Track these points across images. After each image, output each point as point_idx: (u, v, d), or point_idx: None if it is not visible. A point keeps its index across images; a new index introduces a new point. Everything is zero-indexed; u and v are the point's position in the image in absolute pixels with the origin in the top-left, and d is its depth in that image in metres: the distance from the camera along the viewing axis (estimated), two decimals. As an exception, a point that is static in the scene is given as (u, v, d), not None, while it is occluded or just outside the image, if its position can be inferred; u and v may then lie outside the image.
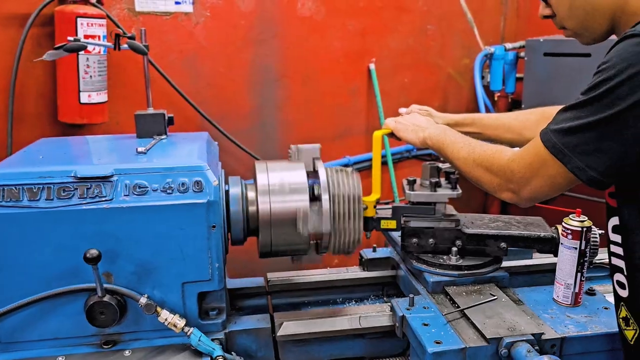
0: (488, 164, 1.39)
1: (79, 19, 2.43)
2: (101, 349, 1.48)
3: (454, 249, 1.69)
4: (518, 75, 3.82)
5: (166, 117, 1.75)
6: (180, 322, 1.45)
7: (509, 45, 3.80)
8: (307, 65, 3.38)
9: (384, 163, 3.63)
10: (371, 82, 3.55)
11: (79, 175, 1.40)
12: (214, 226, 1.45)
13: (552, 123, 1.22)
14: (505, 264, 1.76)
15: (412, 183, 1.75)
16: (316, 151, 1.70)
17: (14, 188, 1.36)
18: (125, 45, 1.73)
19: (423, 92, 3.75)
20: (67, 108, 2.57)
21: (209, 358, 1.46)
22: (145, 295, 1.44)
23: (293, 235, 1.56)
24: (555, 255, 1.67)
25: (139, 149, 1.56)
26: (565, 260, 1.60)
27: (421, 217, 1.73)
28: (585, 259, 1.58)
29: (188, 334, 1.46)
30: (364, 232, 1.74)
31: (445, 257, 1.71)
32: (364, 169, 3.44)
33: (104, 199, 1.40)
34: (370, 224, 1.73)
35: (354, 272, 1.96)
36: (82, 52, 2.13)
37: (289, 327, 1.60)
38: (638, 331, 1.27)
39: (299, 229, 1.55)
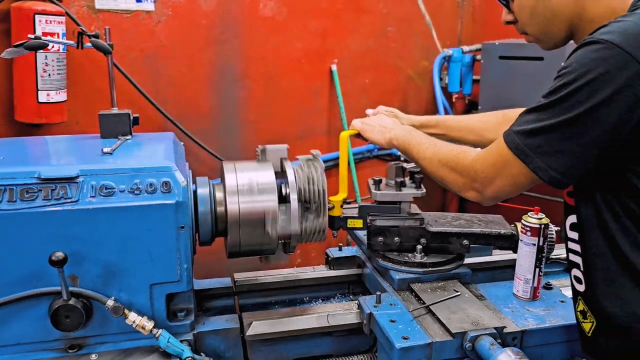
0: (453, 164, 1.44)
1: (37, 16, 2.36)
2: (66, 354, 1.45)
3: (419, 246, 1.73)
4: (475, 77, 3.93)
5: (131, 117, 1.72)
6: (149, 324, 1.44)
7: (466, 48, 3.91)
8: (269, 66, 3.38)
9: (346, 163, 3.66)
10: (332, 82, 3.59)
11: (42, 176, 1.37)
12: (182, 227, 1.44)
13: (514, 125, 1.27)
14: (467, 260, 1.82)
15: (377, 183, 1.78)
16: (283, 151, 1.71)
17: (-26, 190, 1.32)
18: (89, 44, 1.70)
19: (383, 93, 3.81)
20: (25, 107, 2.50)
21: (178, 359, 1.45)
22: (112, 298, 1.42)
23: (262, 235, 1.57)
24: (515, 251, 1.73)
25: (105, 150, 1.54)
26: (525, 256, 1.66)
27: (387, 216, 1.77)
28: (543, 254, 1.65)
29: (157, 335, 1.45)
30: (331, 231, 1.77)
31: (410, 254, 1.75)
32: (327, 169, 3.46)
33: (69, 200, 1.37)
34: (337, 223, 1.76)
35: (321, 271, 1.98)
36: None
37: (258, 326, 1.61)
38: (595, 323, 1.33)
39: (267, 230, 1.56)
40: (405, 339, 1.42)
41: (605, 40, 1.12)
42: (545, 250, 1.65)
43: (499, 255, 1.99)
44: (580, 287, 1.37)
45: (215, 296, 1.86)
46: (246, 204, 1.55)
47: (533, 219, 1.64)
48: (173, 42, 3.05)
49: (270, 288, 1.90)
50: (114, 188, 1.40)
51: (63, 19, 2.50)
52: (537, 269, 1.64)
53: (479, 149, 1.48)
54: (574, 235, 1.37)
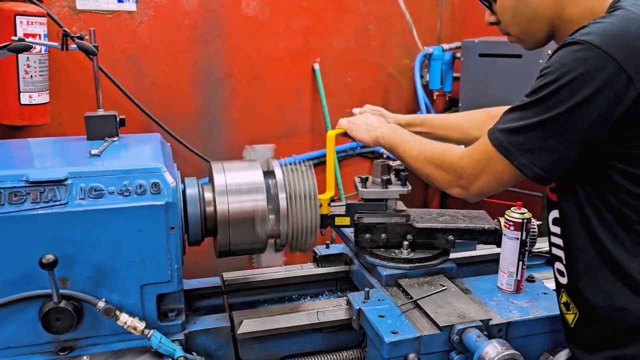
0: (439, 161, 1.47)
1: (18, 17, 2.34)
2: (57, 356, 1.44)
3: (405, 243, 1.76)
4: (455, 74, 3.98)
5: (118, 119, 1.72)
6: (140, 325, 1.45)
7: (446, 46, 3.95)
8: (252, 65, 3.39)
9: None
10: (315, 81, 3.61)
11: (31, 179, 1.36)
12: (172, 227, 1.45)
13: (498, 123, 1.30)
14: (452, 255, 1.85)
15: (364, 181, 1.81)
16: (270, 151, 1.73)
17: (-40, 194, 1.31)
18: (73, 46, 1.69)
19: (365, 91, 3.84)
20: (7, 109, 2.47)
21: (170, 359, 1.46)
22: (103, 299, 1.42)
23: (251, 234, 1.58)
24: (498, 246, 1.77)
25: (93, 152, 1.54)
26: (508, 250, 1.70)
27: (374, 213, 1.79)
28: (526, 248, 1.69)
29: (148, 336, 1.45)
30: (319, 229, 1.79)
31: (397, 251, 1.78)
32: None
33: (58, 203, 1.37)
34: (325, 221, 1.78)
35: (309, 269, 2.00)
36: (23, 51, 2.05)
37: (249, 324, 1.62)
38: (577, 315, 1.38)
39: (257, 229, 1.57)
40: (394, 333, 1.45)
41: (585, 42, 1.15)
42: (528, 244, 1.69)
43: (483, 250, 2.04)
44: (563, 280, 1.41)
45: (205, 296, 1.87)
46: (235, 203, 1.56)
47: (516, 213, 1.68)
48: (156, 42, 3.04)
49: (259, 287, 1.91)
50: (103, 190, 1.41)
51: (45, 19, 2.47)
52: (521, 262, 1.68)
53: (462, 146, 1.52)
54: (556, 229, 1.41)
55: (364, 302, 1.61)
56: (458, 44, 3.88)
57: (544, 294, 1.70)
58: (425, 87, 4.02)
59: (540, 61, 3.17)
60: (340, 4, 3.63)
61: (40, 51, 2.46)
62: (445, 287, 1.67)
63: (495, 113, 1.59)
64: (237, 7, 3.26)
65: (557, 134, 1.20)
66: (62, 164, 1.55)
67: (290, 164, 1.68)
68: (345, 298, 1.72)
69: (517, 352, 1.36)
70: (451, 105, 4.13)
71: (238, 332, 1.61)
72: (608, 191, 1.24)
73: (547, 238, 1.49)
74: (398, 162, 1.79)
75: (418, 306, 1.58)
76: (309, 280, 1.97)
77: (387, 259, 1.76)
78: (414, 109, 4.02)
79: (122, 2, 2.86)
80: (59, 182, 1.38)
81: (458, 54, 3.85)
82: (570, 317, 1.40)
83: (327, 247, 2.06)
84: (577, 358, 1.42)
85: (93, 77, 1.79)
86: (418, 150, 1.55)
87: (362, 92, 3.81)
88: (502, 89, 3.47)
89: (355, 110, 1.86)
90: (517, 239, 1.67)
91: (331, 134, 1.76)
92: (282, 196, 1.59)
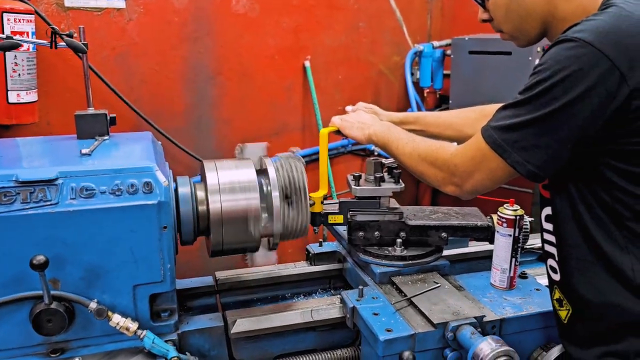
0: (432, 158, 1.47)
1: (5, 14, 2.30)
2: (49, 358, 1.43)
3: (399, 240, 1.76)
4: (445, 72, 3.98)
5: (108, 118, 1.70)
6: (133, 326, 1.43)
7: (436, 43, 3.95)
8: (242, 63, 3.37)
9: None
10: (306, 78, 3.59)
11: (20, 179, 1.34)
12: (165, 227, 1.44)
13: (492, 120, 1.30)
14: (445, 252, 1.86)
15: (357, 178, 1.80)
16: (262, 149, 1.72)
17: (-51, 195, 1.29)
18: (62, 44, 1.67)
19: (356, 88, 3.84)
20: (-6, 108, 2.44)
21: (164, 359, 1.45)
22: (95, 300, 1.40)
23: (244, 233, 1.57)
24: (491, 242, 1.78)
25: (83, 151, 1.52)
26: (501, 246, 1.70)
27: (367, 211, 1.79)
28: (519, 245, 1.69)
29: (141, 336, 1.44)
30: (312, 227, 1.79)
31: (390, 248, 1.78)
32: (303, 165, 3.48)
33: (48, 203, 1.36)
34: (318, 219, 1.78)
35: (302, 267, 1.99)
36: (11, 49, 2.03)
37: (243, 324, 1.61)
38: (570, 311, 1.38)
39: (250, 228, 1.56)
40: (388, 331, 1.45)
41: (579, 39, 1.16)
42: (520, 241, 1.70)
43: (475, 247, 2.04)
44: (556, 277, 1.42)
45: (197, 295, 1.86)
46: (228, 202, 1.55)
47: (509, 210, 1.68)
48: (145, 40, 3.01)
49: (252, 285, 1.90)
50: (94, 189, 1.39)
51: (32, 17, 2.44)
52: (513, 259, 1.69)
53: (455, 143, 1.52)
54: (549, 226, 1.41)
55: (357, 300, 1.60)
56: (448, 41, 3.88)
57: (537, 290, 1.71)
58: (416, 84, 4.02)
59: (530, 58, 3.18)
60: (330, 1, 3.62)
61: (28, 49, 2.43)
62: (438, 285, 1.67)
63: (488, 111, 1.60)
64: (226, 5, 3.24)
65: (551, 131, 1.20)
66: (52, 163, 1.53)
67: (286, 157, 1.67)
68: (338, 296, 1.72)
69: (511, 348, 1.36)
70: (442, 102, 4.14)
71: (232, 332, 1.60)
72: (601, 188, 1.25)
73: (538, 234, 1.50)
74: (391, 160, 1.78)
75: (412, 304, 1.58)
76: (302, 278, 1.97)
77: (380, 257, 1.76)
78: (405, 106, 4.03)
79: (111, -1, 2.84)
80: (49, 182, 1.37)
81: (448, 52, 3.85)
82: (563, 314, 1.41)
83: (320, 245, 2.06)
84: (570, 354, 1.43)
85: (82, 75, 1.77)
86: (411, 147, 1.54)
87: (352, 89, 3.81)
88: (492, 86, 3.48)
89: (348, 108, 1.85)
90: (510, 235, 1.67)
91: (324, 131, 1.76)
92: (275, 194, 1.59)
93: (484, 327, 1.51)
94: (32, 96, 2.50)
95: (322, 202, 1.78)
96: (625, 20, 1.18)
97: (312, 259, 2.02)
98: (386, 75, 4.00)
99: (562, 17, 1.31)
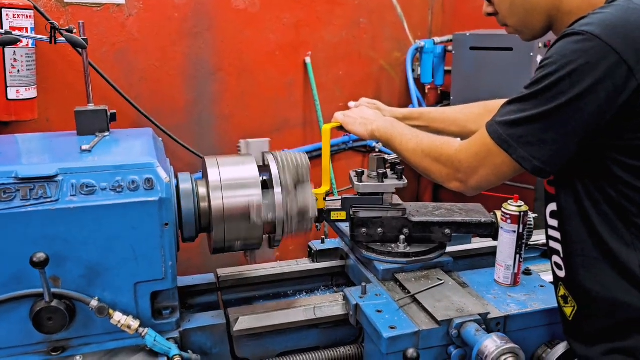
0: (436, 154, 1.45)
1: (4, 10, 2.28)
2: (49, 357, 1.42)
3: (402, 237, 1.75)
4: (446, 68, 3.97)
5: (108, 114, 1.69)
6: (135, 323, 1.42)
7: (437, 39, 3.94)
8: (243, 59, 3.35)
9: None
10: (307, 74, 3.57)
11: (20, 176, 1.33)
12: (166, 224, 1.42)
13: (497, 115, 1.29)
14: (448, 249, 1.85)
15: (360, 175, 1.79)
16: (265, 145, 1.71)
17: (-51, 192, 1.28)
18: (62, 39, 1.66)
19: (357, 84, 3.82)
20: (-7, 105, 2.42)
21: (165, 358, 1.44)
22: (96, 298, 1.39)
23: (247, 229, 1.56)
24: (495, 239, 1.76)
25: (84, 147, 1.50)
26: (505, 243, 1.69)
27: (370, 207, 1.78)
28: (523, 241, 1.68)
29: (143, 334, 1.43)
30: (315, 224, 1.77)
31: (393, 245, 1.76)
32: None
33: (49, 200, 1.34)
34: (321, 215, 1.76)
35: (304, 264, 1.98)
36: (10, 45, 2.01)
37: (246, 321, 1.60)
38: (576, 308, 1.37)
39: (252, 219, 1.54)
40: (392, 328, 1.44)
41: (586, 32, 1.14)
42: (525, 237, 1.69)
43: (479, 243, 2.03)
44: (561, 273, 1.41)
45: (199, 292, 1.85)
46: (230, 199, 1.54)
47: (513, 206, 1.67)
48: (145, 35, 2.99)
49: (254, 283, 1.89)
50: (95, 186, 1.38)
51: (32, 12, 2.42)
52: (518, 256, 1.68)
53: (459, 139, 1.50)
54: (554, 222, 1.40)
55: (361, 297, 1.59)
56: (449, 37, 3.86)
57: (541, 286, 1.70)
58: (417, 80, 4.00)
59: (531, 54, 3.16)
60: (331, -3, 3.60)
61: (28, 45, 2.41)
62: (442, 281, 1.66)
63: (492, 106, 1.58)
64: (227, 0, 3.22)
65: (557, 126, 1.18)
66: (52, 160, 1.52)
67: (285, 155, 1.66)
68: (341, 293, 1.71)
69: (516, 345, 1.35)
70: (443, 98, 4.12)
71: (234, 330, 1.59)
72: (607, 184, 1.23)
73: (542, 230, 1.48)
74: (394, 156, 1.77)
75: (416, 300, 1.57)
76: (304, 275, 1.96)
77: (383, 254, 1.75)
78: (406, 102, 4.01)
79: (111, -6, 2.82)
80: (49, 179, 1.35)
81: (449, 48, 3.84)
82: (568, 310, 1.40)
83: (323, 242, 2.05)
84: (575, 351, 1.41)
85: (81, 71, 1.75)
86: (415, 143, 1.53)
87: (353, 85, 3.79)
88: (494, 82, 3.46)
89: (351, 103, 1.84)
90: (514, 232, 1.66)
91: (327, 127, 1.74)
92: (277, 191, 1.57)
93: (488, 324, 1.50)
94: (31, 92, 2.48)
95: (324, 199, 1.76)
96: (634, 13, 1.16)
97: (314, 255, 2.00)
98: (387, 71, 3.99)
99: (567, 10, 1.29)
